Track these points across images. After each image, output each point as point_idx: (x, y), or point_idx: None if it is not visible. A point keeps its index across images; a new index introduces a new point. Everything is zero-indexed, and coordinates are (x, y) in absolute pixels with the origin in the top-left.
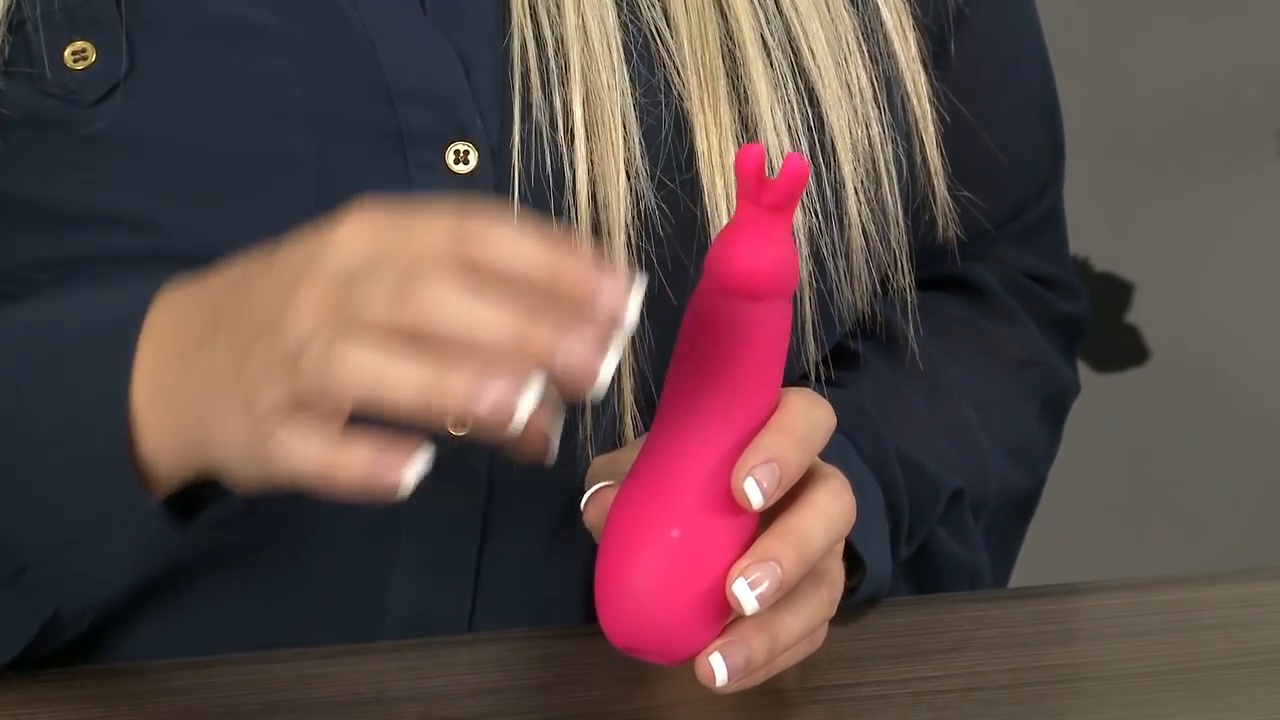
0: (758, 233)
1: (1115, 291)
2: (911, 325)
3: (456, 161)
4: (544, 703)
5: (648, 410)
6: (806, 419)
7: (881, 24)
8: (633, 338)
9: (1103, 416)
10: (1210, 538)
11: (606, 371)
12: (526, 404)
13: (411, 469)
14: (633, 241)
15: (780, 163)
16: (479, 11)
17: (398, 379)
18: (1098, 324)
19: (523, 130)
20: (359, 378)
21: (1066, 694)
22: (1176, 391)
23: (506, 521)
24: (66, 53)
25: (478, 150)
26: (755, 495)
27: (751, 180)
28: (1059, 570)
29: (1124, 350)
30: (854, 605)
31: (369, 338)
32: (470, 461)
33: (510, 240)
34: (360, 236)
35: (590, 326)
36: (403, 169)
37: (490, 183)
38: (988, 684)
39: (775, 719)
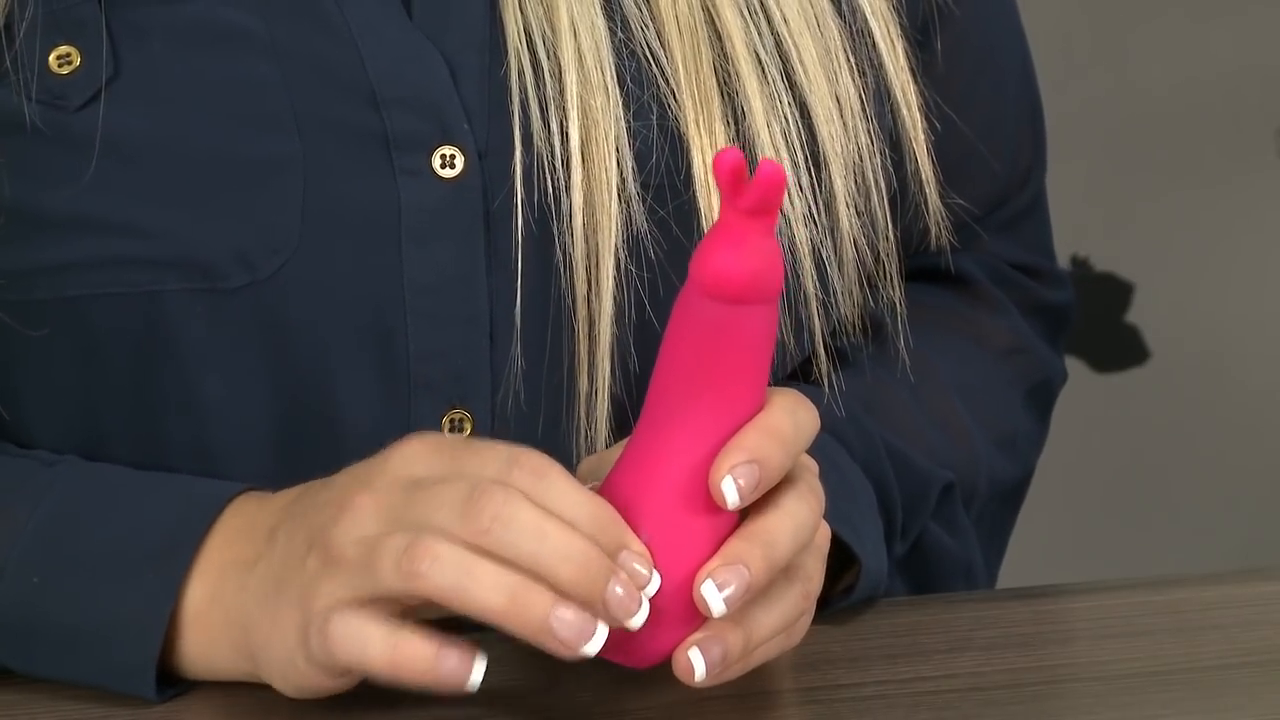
0: (736, 237)
1: (1115, 291)
2: (902, 338)
3: (443, 166)
4: (543, 703)
5: (624, 434)
6: (791, 420)
7: (869, 34)
8: (615, 364)
9: (1103, 416)
10: (1210, 538)
11: (640, 619)
12: (598, 641)
13: (477, 668)
14: (622, 266)
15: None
16: (466, 17)
17: (482, 583)
18: (1098, 324)
19: (524, 159)
20: (442, 579)
21: (1066, 694)
22: (1176, 391)
23: None
24: (51, 57)
25: (464, 155)
26: (731, 494)
27: (727, 184)
28: (1058, 570)
29: (1124, 350)
30: (853, 605)
31: (448, 540)
32: None
33: (563, 484)
34: (418, 455)
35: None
36: (390, 173)
37: (478, 188)
38: (988, 684)
39: (775, 719)
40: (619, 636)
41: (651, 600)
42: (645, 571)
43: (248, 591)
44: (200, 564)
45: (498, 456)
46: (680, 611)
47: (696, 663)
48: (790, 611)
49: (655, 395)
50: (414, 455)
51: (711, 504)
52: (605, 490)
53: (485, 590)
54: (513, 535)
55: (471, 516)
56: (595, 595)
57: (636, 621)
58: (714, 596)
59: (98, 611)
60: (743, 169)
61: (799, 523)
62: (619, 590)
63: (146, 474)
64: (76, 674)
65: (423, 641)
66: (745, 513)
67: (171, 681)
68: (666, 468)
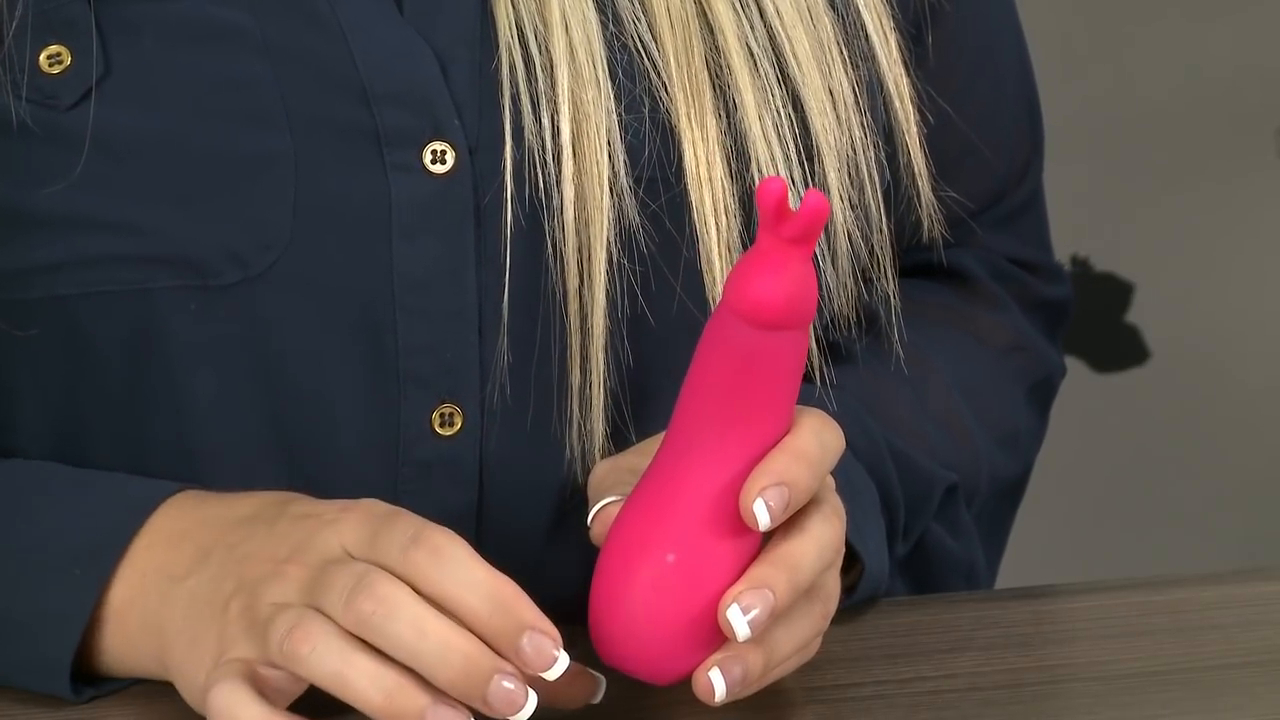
0: (775, 264)
1: (1115, 291)
2: (896, 330)
3: (434, 161)
4: (543, 702)
5: (625, 428)
6: (818, 442)
7: (862, 27)
8: (608, 357)
9: (1103, 416)
10: (1210, 538)
11: (525, 714)
12: None
13: None
14: (614, 259)
15: (770, 172)
16: (457, 12)
17: (359, 680)
18: (1098, 324)
19: (515, 154)
20: (321, 667)
21: (1066, 694)
22: (1176, 391)
23: (499, 521)
24: (42, 57)
25: (455, 150)
26: (763, 516)
27: (771, 213)
28: (1058, 570)
29: (1124, 350)
30: (853, 605)
31: (332, 627)
32: (460, 462)
33: (464, 564)
34: (348, 529)
35: (517, 670)
36: (380, 169)
37: (468, 183)
38: (988, 684)
39: (775, 719)
40: (642, 652)
41: (676, 620)
42: (553, 651)
43: (170, 606)
44: (124, 566)
45: (403, 533)
46: (705, 633)
47: (717, 683)
48: (810, 631)
49: (682, 417)
50: (346, 528)
51: (737, 526)
52: (629, 511)
53: (363, 685)
54: (393, 628)
55: (354, 605)
56: (475, 694)
57: (522, 716)
58: (739, 620)
59: (23, 605)
60: (786, 199)
61: (823, 545)
62: (505, 685)
63: (82, 471)
64: None
65: None
66: (769, 534)
67: (90, 680)
68: (693, 490)
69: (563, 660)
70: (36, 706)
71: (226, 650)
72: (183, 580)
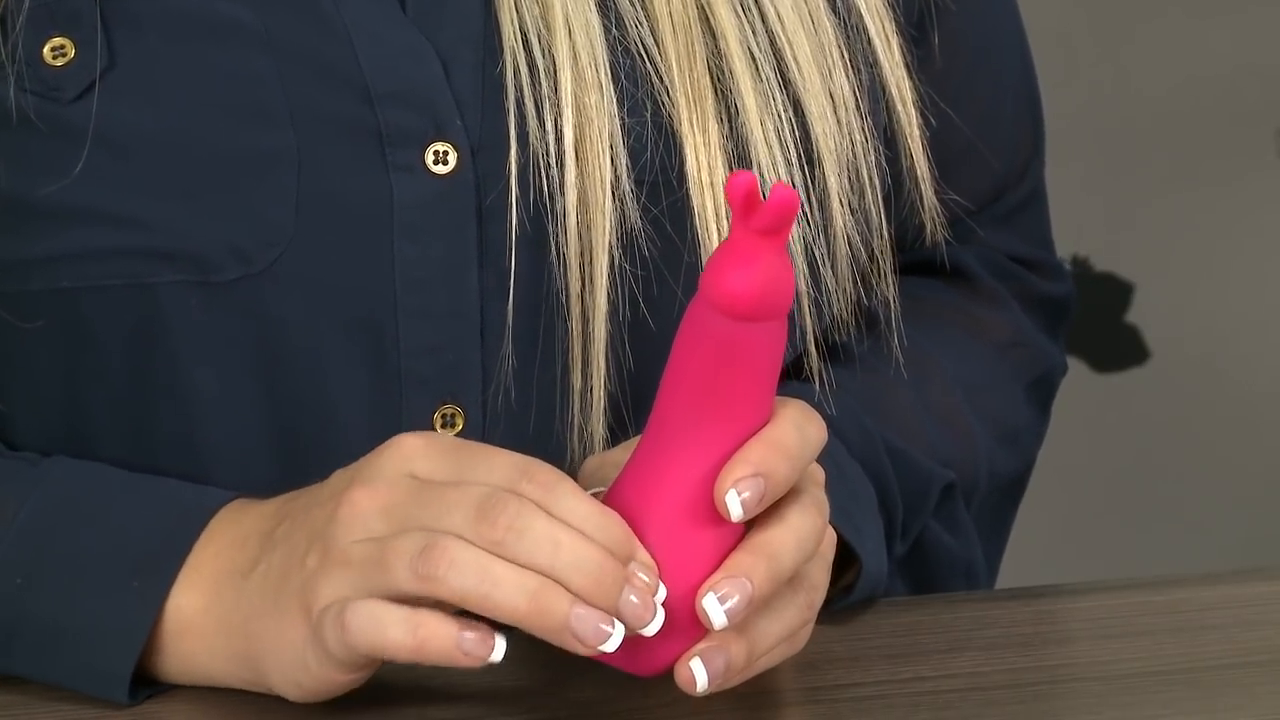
0: (747, 255)
1: (1115, 291)
2: (896, 335)
3: (436, 162)
4: (543, 702)
5: (625, 431)
6: (798, 434)
7: (864, 31)
8: (609, 361)
9: (1103, 416)
10: (1210, 538)
11: (655, 626)
12: (616, 638)
13: (499, 643)
14: (616, 263)
15: (772, 176)
16: (460, 12)
17: (500, 587)
18: (1098, 324)
19: (519, 157)
20: (461, 582)
21: (1066, 694)
22: (1176, 391)
23: None
24: (45, 49)
25: (457, 151)
26: (735, 507)
27: (741, 205)
28: (1058, 570)
29: (1124, 350)
30: (852, 605)
31: (463, 541)
32: None
33: (573, 497)
34: (417, 453)
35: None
36: (383, 168)
37: (470, 184)
38: (988, 684)
39: (776, 719)
40: (626, 644)
41: None
42: (651, 584)
43: (247, 598)
44: (189, 574)
45: (507, 465)
46: (685, 623)
47: (698, 673)
48: (794, 621)
49: (661, 408)
50: (413, 453)
51: (716, 517)
52: (610, 501)
53: (506, 593)
54: (527, 545)
55: (486, 525)
56: (609, 604)
57: (652, 629)
58: (715, 609)
59: (80, 615)
60: (756, 192)
61: (803, 536)
62: (633, 599)
63: (136, 475)
64: (52, 674)
65: (442, 621)
66: (750, 525)
67: (149, 683)
68: (673, 480)
69: (661, 593)
70: (40, 706)
71: (315, 600)
72: (252, 571)
